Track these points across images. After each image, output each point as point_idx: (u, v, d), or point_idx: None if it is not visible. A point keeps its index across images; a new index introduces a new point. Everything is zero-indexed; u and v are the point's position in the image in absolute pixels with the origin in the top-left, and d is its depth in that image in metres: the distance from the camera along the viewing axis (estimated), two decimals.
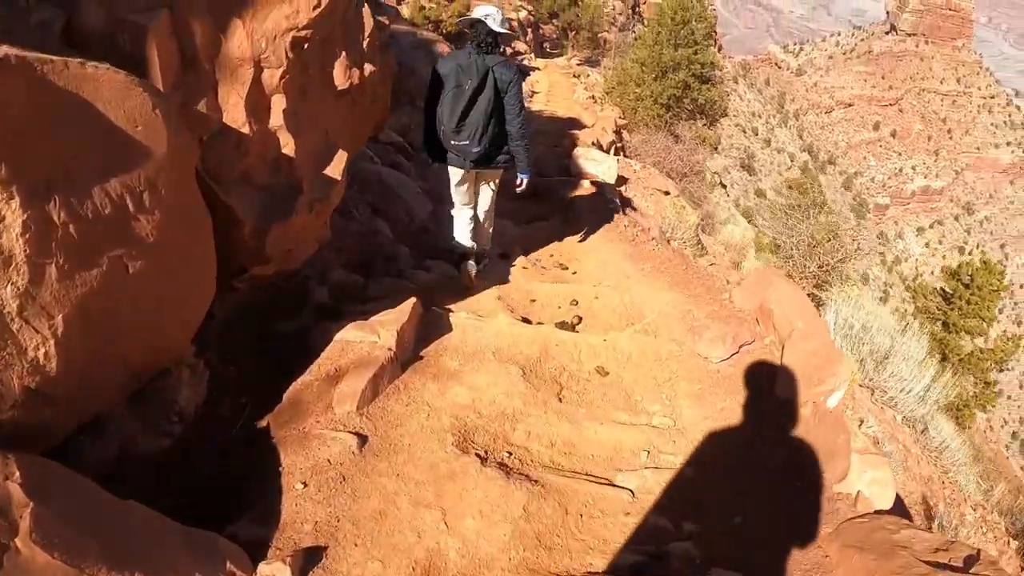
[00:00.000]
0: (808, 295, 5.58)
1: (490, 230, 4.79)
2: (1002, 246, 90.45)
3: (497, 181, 4.55)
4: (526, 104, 16.46)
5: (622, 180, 8.74)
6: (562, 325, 4.04)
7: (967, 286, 10.94)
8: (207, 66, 2.55)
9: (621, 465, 2.87)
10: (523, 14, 24.84)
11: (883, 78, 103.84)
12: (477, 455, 2.75)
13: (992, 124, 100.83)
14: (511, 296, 4.39)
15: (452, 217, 4.62)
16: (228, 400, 2.94)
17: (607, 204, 7.04)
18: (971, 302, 10.04)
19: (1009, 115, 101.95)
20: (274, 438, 2.71)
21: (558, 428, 3.01)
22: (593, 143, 11.51)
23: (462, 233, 4.60)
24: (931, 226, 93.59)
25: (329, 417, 2.82)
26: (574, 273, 5.11)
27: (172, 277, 2.27)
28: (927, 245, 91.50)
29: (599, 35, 26.50)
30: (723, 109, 23.05)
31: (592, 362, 3.53)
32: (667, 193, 9.46)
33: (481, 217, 4.65)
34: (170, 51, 2.37)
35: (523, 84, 4.59)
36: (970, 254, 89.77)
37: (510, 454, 2.83)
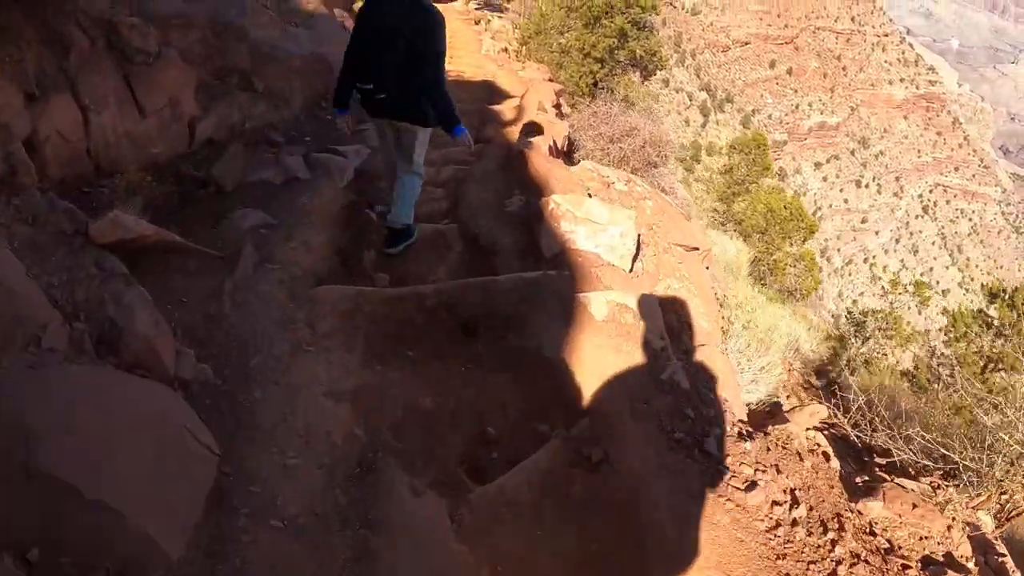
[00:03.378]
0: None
1: (407, 197, 4.04)
2: (897, 178, 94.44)
3: (417, 137, 3.89)
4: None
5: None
6: None
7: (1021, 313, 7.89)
8: None
9: None
10: None
11: (779, 16, 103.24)
12: None
13: (886, 61, 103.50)
14: None
15: None
16: None
17: (660, 382, 3.04)
18: None
19: (902, 52, 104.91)
20: None
21: None
22: (550, 148, 7.25)
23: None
24: (828, 161, 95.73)
25: None
26: None
27: None
28: (824, 179, 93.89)
29: None
30: (662, 60, 19.31)
31: None
32: (695, 249, 5.55)
33: (399, 175, 4.05)
34: None
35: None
36: (866, 187, 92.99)
37: None
